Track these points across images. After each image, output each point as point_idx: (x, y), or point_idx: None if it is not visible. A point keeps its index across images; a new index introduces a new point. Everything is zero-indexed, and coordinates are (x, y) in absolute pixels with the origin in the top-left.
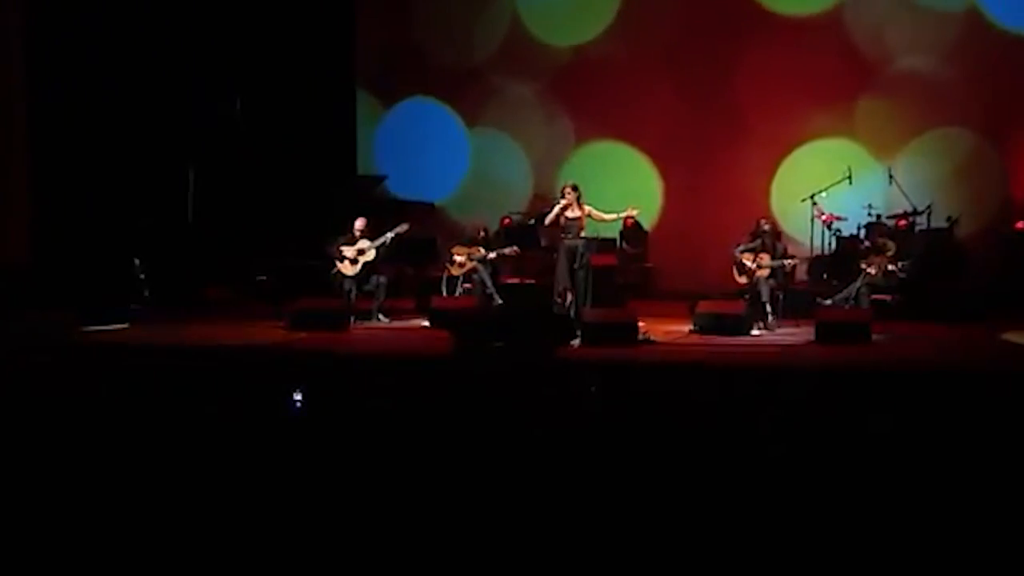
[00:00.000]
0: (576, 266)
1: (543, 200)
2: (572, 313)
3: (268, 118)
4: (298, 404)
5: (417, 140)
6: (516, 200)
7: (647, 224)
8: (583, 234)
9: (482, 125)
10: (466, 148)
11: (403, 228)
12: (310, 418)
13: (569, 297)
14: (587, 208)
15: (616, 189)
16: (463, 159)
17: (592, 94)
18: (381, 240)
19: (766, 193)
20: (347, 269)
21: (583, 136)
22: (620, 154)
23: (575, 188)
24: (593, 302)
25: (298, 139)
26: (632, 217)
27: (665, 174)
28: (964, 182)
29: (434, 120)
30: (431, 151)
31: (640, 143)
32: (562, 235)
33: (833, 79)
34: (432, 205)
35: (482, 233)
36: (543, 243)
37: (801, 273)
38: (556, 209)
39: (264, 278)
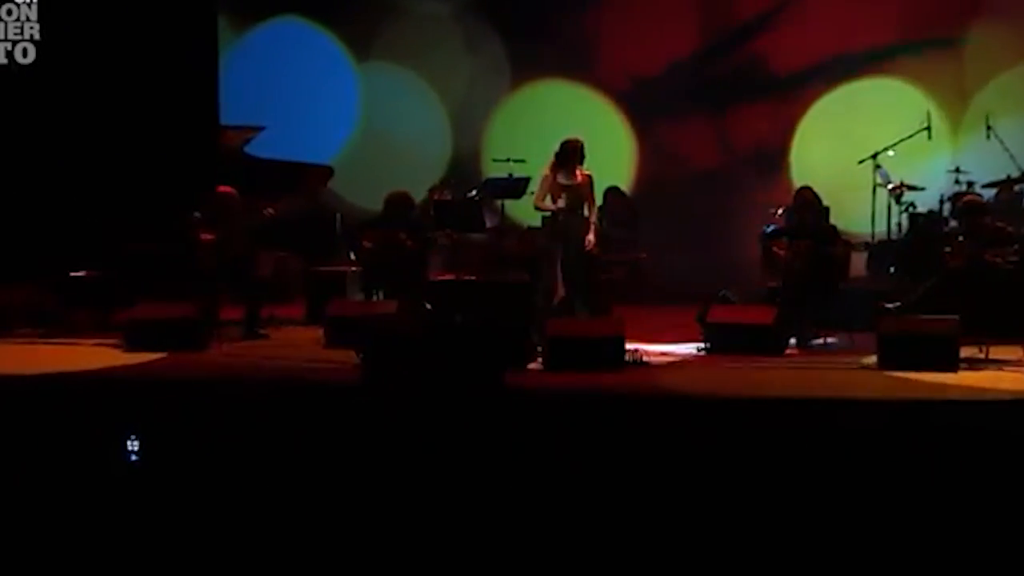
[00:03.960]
0: (566, 253)
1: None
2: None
3: (92, 40)
4: (134, 453)
5: (283, 79)
6: (428, 164)
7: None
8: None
9: (378, 58)
10: (354, 91)
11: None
12: (152, 472)
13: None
14: (587, 172)
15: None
16: (350, 107)
17: (536, 15)
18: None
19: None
20: (208, 261)
21: (522, 74)
22: (575, 99)
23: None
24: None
25: (132, 69)
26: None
27: (640, 127)
28: None
29: (308, 50)
30: (304, 94)
31: (604, 85)
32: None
33: None
34: (331, 169)
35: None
36: (489, 224)
37: (858, 266)
38: (543, 175)
39: (85, 274)
